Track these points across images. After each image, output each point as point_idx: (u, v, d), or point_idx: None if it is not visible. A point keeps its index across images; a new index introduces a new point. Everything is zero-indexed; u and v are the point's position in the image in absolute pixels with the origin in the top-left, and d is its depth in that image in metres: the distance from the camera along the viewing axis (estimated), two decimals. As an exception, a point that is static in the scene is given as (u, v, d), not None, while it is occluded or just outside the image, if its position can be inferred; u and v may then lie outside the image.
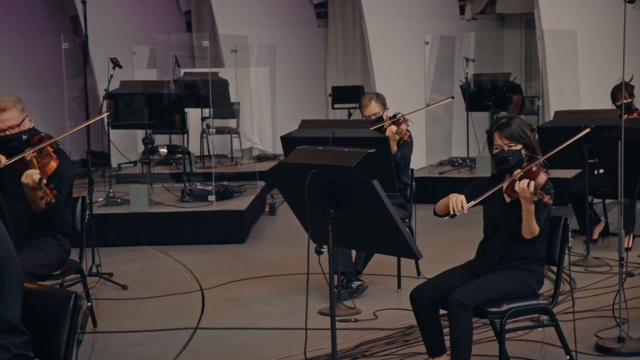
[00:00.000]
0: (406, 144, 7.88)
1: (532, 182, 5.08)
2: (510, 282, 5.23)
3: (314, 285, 7.36)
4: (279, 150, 15.44)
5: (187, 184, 10.72)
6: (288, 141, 7.08)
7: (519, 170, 5.25)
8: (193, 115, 14.43)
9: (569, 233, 5.41)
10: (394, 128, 7.72)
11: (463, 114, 12.84)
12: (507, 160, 5.32)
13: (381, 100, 8.09)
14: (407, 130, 7.86)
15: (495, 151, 5.37)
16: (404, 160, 7.78)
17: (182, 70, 14.21)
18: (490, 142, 5.41)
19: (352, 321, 6.87)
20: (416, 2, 15.48)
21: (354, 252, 7.58)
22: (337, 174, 4.49)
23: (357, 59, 17.13)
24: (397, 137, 7.68)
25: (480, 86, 12.61)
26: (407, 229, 4.48)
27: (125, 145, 13.57)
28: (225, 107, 13.80)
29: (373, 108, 7.99)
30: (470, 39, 15.23)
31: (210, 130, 14.33)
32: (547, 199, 5.04)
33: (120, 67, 10.50)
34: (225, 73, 14.39)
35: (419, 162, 13.06)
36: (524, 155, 5.32)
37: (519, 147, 5.33)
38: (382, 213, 4.41)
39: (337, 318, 6.85)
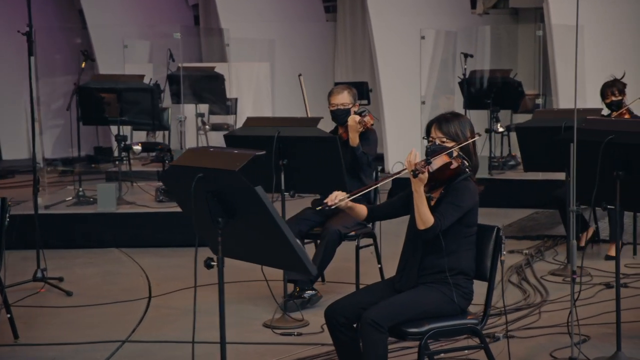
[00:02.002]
0: (369, 141, 7.40)
1: (418, 153, 4.63)
2: (432, 298, 4.72)
3: (266, 293, 6.88)
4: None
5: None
6: (232, 140, 6.62)
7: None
8: (188, 111, 14.07)
9: (502, 245, 4.88)
10: (356, 118, 7.22)
11: (461, 112, 12.27)
12: (427, 152, 4.85)
13: (353, 93, 7.62)
14: (372, 125, 7.38)
15: (428, 143, 4.88)
16: (366, 157, 7.28)
17: (177, 65, 13.75)
18: (428, 132, 4.93)
19: (294, 335, 6.39)
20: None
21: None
22: (222, 178, 4.01)
23: (366, 55, 16.62)
24: (360, 128, 7.19)
25: (479, 83, 12.05)
26: (298, 242, 3.97)
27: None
28: (221, 103, 13.37)
29: (344, 98, 7.52)
30: (485, 34, 14.67)
31: (206, 127, 13.94)
32: (420, 165, 4.57)
33: (93, 60, 10.11)
34: (224, 68, 14.00)
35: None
36: (455, 150, 4.80)
37: (452, 144, 4.84)
38: (269, 223, 3.93)
39: (279, 331, 6.47)
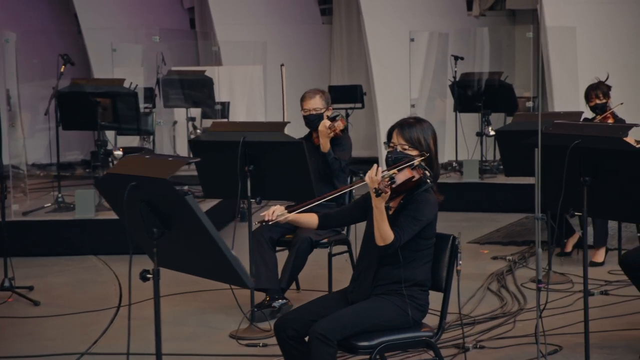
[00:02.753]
0: (342, 146, 7.23)
1: (380, 169, 4.42)
2: (385, 310, 4.54)
3: (234, 302, 6.70)
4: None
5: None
6: (196, 145, 6.45)
7: (394, 171, 4.55)
8: (179, 115, 13.94)
9: (459, 254, 4.70)
10: (327, 123, 7.06)
11: (452, 115, 12.10)
12: (387, 160, 4.67)
13: (326, 97, 7.46)
14: (344, 130, 7.20)
15: (389, 149, 4.70)
16: (338, 162, 7.10)
17: (167, 69, 13.62)
18: (389, 138, 4.74)
19: (259, 346, 6.21)
20: (419, -1, 14.85)
21: (280, 266, 6.94)
22: (154, 187, 3.85)
23: (362, 58, 16.39)
24: (330, 133, 7.02)
25: (470, 86, 11.86)
26: (233, 253, 3.80)
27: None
28: (209, 107, 13.21)
29: (316, 102, 7.37)
30: (478, 36, 14.48)
31: (197, 131, 13.78)
32: (383, 185, 4.34)
33: (72, 64, 9.97)
34: (214, 72, 13.84)
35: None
36: (418, 161, 4.62)
37: (414, 152, 4.65)
38: (203, 234, 3.77)
39: (244, 342, 6.30)
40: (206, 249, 3.83)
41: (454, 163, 12.29)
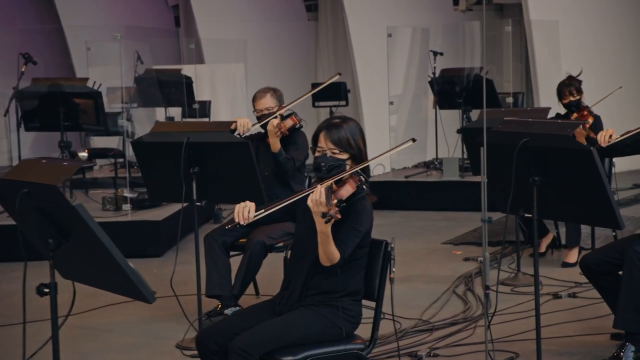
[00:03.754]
0: (296, 145, 6.96)
1: (324, 190, 4.09)
2: (312, 322, 4.26)
3: (187, 310, 6.42)
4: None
5: (117, 190, 9.83)
6: (139, 147, 6.17)
7: (329, 182, 4.25)
8: (160, 115, 13.68)
9: (392, 261, 4.42)
10: (275, 121, 6.79)
11: (431, 112, 11.81)
12: (320, 168, 4.36)
13: (278, 96, 7.19)
14: (295, 127, 6.92)
15: (316, 154, 4.41)
16: (291, 162, 6.83)
17: (145, 68, 13.36)
18: (315, 141, 4.44)
19: (203, 356, 5.92)
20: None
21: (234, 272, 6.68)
22: (46, 195, 3.58)
23: (348, 55, 16.12)
24: (277, 132, 6.74)
25: (450, 82, 11.57)
26: (131, 267, 3.53)
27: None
28: (188, 106, 12.94)
29: (267, 102, 7.10)
30: (462, 30, 14.21)
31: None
32: (334, 211, 4.03)
33: (35, 62, 9.72)
34: (191, 70, 13.59)
35: (385, 165, 12.14)
36: (347, 168, 4.33)
37: (344, 156, 4.36)
38: (98, 246, 3.51)
39: (190, 353, 6.02)
40: (104, 262, 3.57)
41: (435, 161, 12.01)
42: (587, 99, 8.22)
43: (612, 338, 5.87)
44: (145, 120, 13.91)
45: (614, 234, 7.98)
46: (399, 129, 13.57)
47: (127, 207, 9.20)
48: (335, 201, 4.06)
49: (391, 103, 12.27)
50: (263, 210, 4.30)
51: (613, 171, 8.18)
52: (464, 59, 13.90)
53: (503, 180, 5.10)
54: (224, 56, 15.29)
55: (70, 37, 16.02)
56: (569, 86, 8.15)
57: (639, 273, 5.31)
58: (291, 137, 6.97)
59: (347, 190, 4.17)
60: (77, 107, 9.16)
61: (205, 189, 6.04)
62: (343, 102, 14.57)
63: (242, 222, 4.24)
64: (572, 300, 6.95)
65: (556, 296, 7.06)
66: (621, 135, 6.24)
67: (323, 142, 4.41)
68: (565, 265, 7.93)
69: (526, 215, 5.12)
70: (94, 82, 9.73)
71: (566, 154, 4.81)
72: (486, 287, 5.04)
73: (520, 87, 14.89)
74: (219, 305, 6.61)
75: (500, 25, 15.34)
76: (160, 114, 14.02)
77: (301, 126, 7.16)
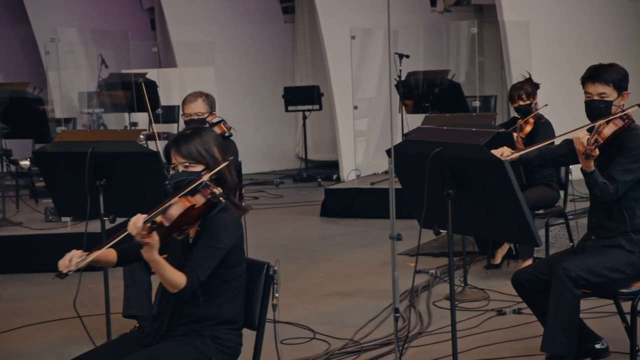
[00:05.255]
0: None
1: (143, 217, 3.73)
2: (179, 354, 3.86)
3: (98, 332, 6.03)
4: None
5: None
6: (42, 157, 5.78)
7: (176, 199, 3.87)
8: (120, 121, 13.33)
9: (275, 285, 4.02)
10: None
11: (397, 116, 11.40)
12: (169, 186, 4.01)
13: (210, 102, 6.84)
14: (224, 136, 6.56)
15: (171, 172, 4.04)
16: None
17: (108, 71, 13.00)
18: (169, 159, 4.09)
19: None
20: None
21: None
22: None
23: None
24: None
25: (416, 85, 11.16)
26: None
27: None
28: (152, 111, 12.53)
29: (197, 107, 6.77)
30: (448, 31, 13.81)
31: (140, 136, 13.12)
32: (142, 235, 3.65)
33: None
34: (167, 73, 13.29)
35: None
36: (204, 181, 3.94)
37: (199, 168, 3.98)
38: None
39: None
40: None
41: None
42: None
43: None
44: (115, 126, 13.58)
45: (572, 244, 7.60)
46: (372, 133, 13.19)
47: (66, 218, 8.80)
48: (149, 225, 3.66)
49: (355, 107, 11.88)
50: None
51: (570, 178, 7.78)
52: (440, 60, 13.50)
53: (418, 193, 4.71)
54: (196, 59, 14.92)
55: (41, 40, 15.64)
56: (519, 89, 7.78)
57: (567, 292, 4.91)
58: (218, 145, 6.57)
59: (177, 208, 3.77)
60: (16, 112, 8.77)
61: (113, 203, 5.65)
62: (317, 106, 14.18)
63: (64, 271, 3.81)
64: (516, 318, 6.56)
65: (500, 312, 6.67)
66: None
67: (174, 158, 4.04)
68: (518, 278, 7.50)
69: (441, 231, 4.73)
70: (34, 88, 9.36)
71: (478, 165, 4.42)
72: (395, 310, 4.69)
73: (502, 90, 14.48)
74: (136, 325, 6.23)
75: (480, 26, 14.96)
76: (134, 117, 13.67)
77: (230, 134, 6.81)
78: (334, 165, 14.32)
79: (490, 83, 14.39)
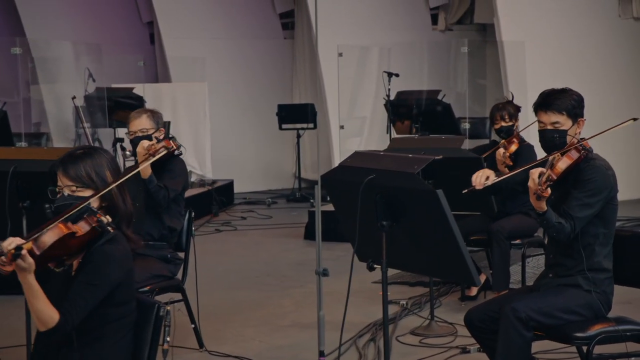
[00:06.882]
0: (172, 173, 6.21)
1: (15, 241, 3.31)
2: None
3: None
4: (220, 174, 13.81)
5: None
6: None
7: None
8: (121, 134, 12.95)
9: (166, 328, 3.59)
10: (145, 143, 6.04)
11: (386, 137, 10.95)
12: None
13: (156, 118, 6.43)
14: (172, 153, 6.16)
15: (58, 196, 3.63)
16: (164, 191, 6.05)
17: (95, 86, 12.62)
18: (55, 180, 3.68)
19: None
20: (380, 12, 13.76)
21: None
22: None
23: (322, 75, 15.35)
24: (144, 154, 5.98)
25: (405, 105, 10.72)
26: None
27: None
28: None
29: (142, 123, 6.36)
30: (449, 50, 13.38)
31: (126, 152, 12.73)
32: (8, 267, 3.25)
33: None
34: (158, 88, 12.95)
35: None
36: (88, 207, 3.52)
37: (87, 193, 3.56)
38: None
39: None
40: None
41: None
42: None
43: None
44: (108, 140, 13.22)
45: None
46: (365, 154, 12.75)
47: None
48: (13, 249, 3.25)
49: (342, 127, 11.47)
50: None
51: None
52: (437, 80, 13.06)
53: (353, 224, 4.28)
54: (190, 74, 14.56)
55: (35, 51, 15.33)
56: (502, 110, 7.39)
57: (516, 334, 4.47)
58: (167, 164, 6.22)
59: (51, 235, 3.36)
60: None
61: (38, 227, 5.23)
62: (311, 125, 13.77)
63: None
64: (480, 356, 6.06)
65: (464, 350, 6.20)
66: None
67: (60, 180, 3.63)
68: (491, 312, 7.04)
69: (375, 266, 4.29)
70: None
71: (411, 194, 3.99)
72: (320, 354, 4.26)
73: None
74: None
75: (483, 46, 14.54)
76: (120, 133, 13.30)
77: (180, 153, 6.41)
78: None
79: (492, 103, 13.94)
